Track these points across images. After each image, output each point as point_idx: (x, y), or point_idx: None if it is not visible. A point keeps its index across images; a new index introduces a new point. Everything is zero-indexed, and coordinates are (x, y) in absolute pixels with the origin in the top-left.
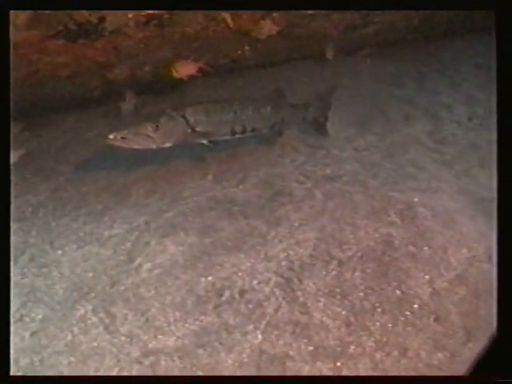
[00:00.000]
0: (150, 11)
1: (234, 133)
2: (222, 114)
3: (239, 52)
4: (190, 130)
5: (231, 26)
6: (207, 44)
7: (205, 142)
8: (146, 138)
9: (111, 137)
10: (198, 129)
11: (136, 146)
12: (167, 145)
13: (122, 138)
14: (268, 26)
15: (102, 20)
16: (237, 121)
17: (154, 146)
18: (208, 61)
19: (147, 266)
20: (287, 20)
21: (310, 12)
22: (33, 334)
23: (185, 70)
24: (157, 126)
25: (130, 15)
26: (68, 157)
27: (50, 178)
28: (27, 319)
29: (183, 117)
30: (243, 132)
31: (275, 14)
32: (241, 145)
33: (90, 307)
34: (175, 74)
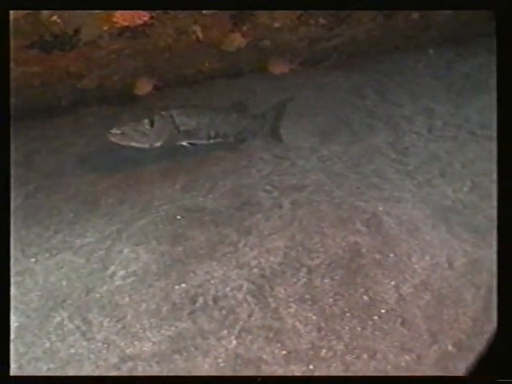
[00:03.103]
0: (132, 19)
1: (209, 137)
2: (199, 118)
3: (207, 64)
4: (175, 131)
5: (201, 38)
6: (176, 56)
7: (185, 143)
8: (143, 135)
9: (112, 131)
10: (182, 129)
11: (133, 143)
12: (158, 144)
13: (121, 133)
14: (237, 38)
15: (77, 32)
16: (211, 126)
17: (147, 145)
18: (161, 78)
19: (121, 273)
20: (255, 33)
21: (277, 25)
22: (10, 341)
23: (143, 87)
24: (152, 122)
25: (105, 27)
26: (37, 165)
27: (20, 186)
28: None
29: (171, 116)
30: (215, 137)
31: (244, 27)
32: (206, 153)
33: (66, 314)
34: (137, 91)
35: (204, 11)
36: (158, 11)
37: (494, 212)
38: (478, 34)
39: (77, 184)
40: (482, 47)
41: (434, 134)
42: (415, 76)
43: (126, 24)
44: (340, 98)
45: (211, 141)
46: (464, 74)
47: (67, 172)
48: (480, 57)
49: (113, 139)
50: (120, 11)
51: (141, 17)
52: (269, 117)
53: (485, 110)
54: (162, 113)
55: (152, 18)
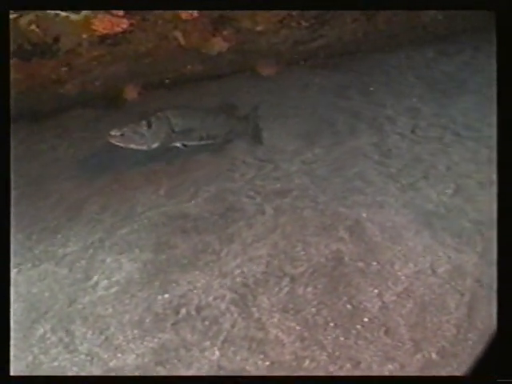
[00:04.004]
0: (111, 28)
1: (201, 138)
2: (193, 119)
3: (189, 67)
4: (171, 132)
5: (183, 43)
6: (158, 60)
7: (179, 144)
8: (141, 136)
9: (112, 133)
10: (177, 130)
11: (132, 145)
12: (155, 145)
13: (121, 135)
14: (219, 43)
15: (56, 40)
16: (203, 127)
17: (145, 147)
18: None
19: (104, 283)
20: (237, 37)
21: (259, 29)
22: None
23: (131, 92)
24: (150, 124)
25: (85, 35)
26: (20, 171)
27: None
28: None
29: (167, 118)
30: (207, 138)
31: (225, 32)
32: (190, 156)
33: (48, 327)
34: (126, 96)
35: (184, 17)
36: (137, 18)
37: (478, 215)
38: (462, 30)
39: (60, 190)
40: (465, 44)
41: (417, 135)
42: (399, 75)
43: (105, 32)
44: (324, 99)
45: (202, 142)
46: (447, 72)
47: (50, 178)
48: (464, 54)
49: (113, 141)
50: (98, 19)
51: (120, 24)
52: (251, 118)
53: (469, 109)
54: (158, 114)
55: (132, 25)
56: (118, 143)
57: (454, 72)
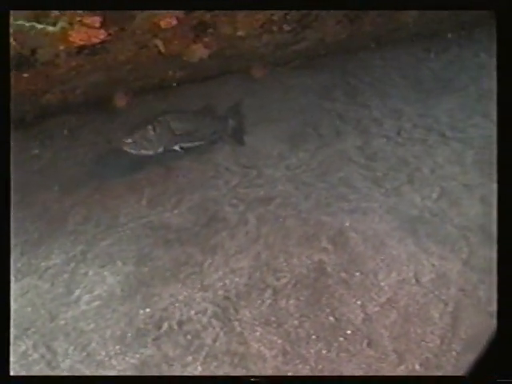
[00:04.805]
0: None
1: (194, 140)
2: (188, 121)
3: (171, 72)
4: (172, 135)
5: (163, 51)
6: (138, 67)
7: (177, 148)
8: (149, 142)
9: (126, 141)
10: (177, 133)
11: (142, 151)
12: (160, 150)
13: (133, 142)
14: (199, 49)
15: (33, 52)
16: (195, 129)
17: (151, 152)
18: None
19: (86, 298)
20: (218, 43)
21: (240, 34)
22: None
23: (121, 100)
24: (155, 129)
25: (62, 47)
26: None
27: None
28: None
29: (167, 122)
30: (199, 140)
31: (206, 38)
32: (173, 163)
33: (30, 343)
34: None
35: (163, 25)
36: (115, 28)
37: (463, 220)
38: (447, 28)
39: (43, 200)
40: (450, 42)
41: (402, 137)
42: (384, 75)
43: (82, 43)
44: (308, 100)
45: (196, 143)
46: (433, 71)
47: (34, 188)
48: (449, 52)
49: (126, 148)
50: (75, 30)
51: (97, 35)
52: (231, 118)
53: (454, 110)
54: (160, 119)
55: (109, 35)
56: (131, 150)
57: (439, 71)
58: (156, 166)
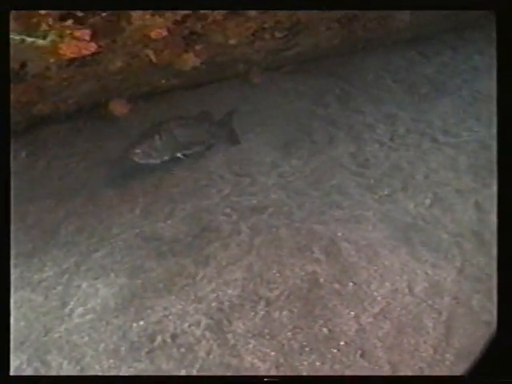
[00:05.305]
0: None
1: (195, 146)
2: (189, 128)
3: (163, 81)
4: (176, 143)
5: (155, 61)
6: (130, 76)
7: (180, 155)
8: (156, 151)
9: (136, 151)
10: (180, 140)
11: (151, 161)
12: (166, 158)
13: (142, 152)
14: (191, 58)
15: (23, 65)
16: (195, 136)
17: (158, 161)
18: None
19: (79, 311)
20: (209, 52)
21: (232, 42)
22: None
23: (120, 108)
24: (161, 137)
25: (52, 60)
26: None
27: None
28: None
29: (171, 129)
30: (199, 146)
31: (198, 47)
32: (165, 172)
33: (24, 357)
34: (115, 112)
35: (154, 36)
36: (105, 41)
37: (456, 226)
38: (441, 30)
39: (36, 211)
40: (444, 44)
41: (395, 143)
42: (377, 79)
43: (72, 56)
44: (301, 106)
45: (196, 149)
46: (426, 75)
47: (25, 198)
48: (443, 55)
49: (136, 159)
50: (65, 43)
51: (88, 48)
52: (224, 123)
53: (447, 114)
54: (164, 126)
55: (100, 47)
56: (140, 160)
57: (432, 74)
58: (149, 174)
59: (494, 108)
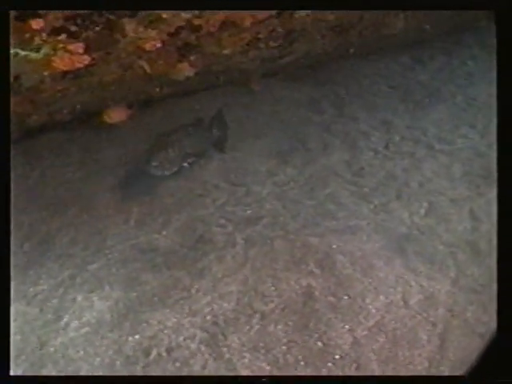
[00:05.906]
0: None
1: (197, 154)
2: (192, 137)
3: (157, 90)
4: (184, 152)
5: (149, 71)
6: (124, 86)
7: (185, 164)
8: (170, 162)
9: (153, 164)
10: (188, 151)
11: (166, 172)
12: (175, 169)
13: (159, 164)
14: (185, 68)
15: (17, 78)
16: (198, 143)
17: (168, 173)
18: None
19: (75, 324)
20: (203, 61)
21: (226, 52)
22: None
23: (117, 115)
24: (173, 149)
25: (46, 73)
26: None
27: None
28: None
29: (180, 140)
30: (201, 154)
31: (192, 57)
32: (160, 181)
33: (19, 372)
34: (108, 120)
35: (147, 47)
36: (99, 53)
37: (451, 236)
38: (435, 35)
39: (30, 222)
40: (437, 49)
41: (390, 151)
42: (371, 85)
43: (66, 69)
44: (296, 113)
45: (199, 156)
46: (420, 81)
47: (20, 209)
48: (436, 60)
49: (153, 171)
50: (58, 57)
51: (81, 61)
52: (213, 129)
53: (442, 120)
54: (173, 137)
55: (93, 59)
56: (157, 173)
57: (426, 80)
58: (143, 184)
59: (488, 115)
